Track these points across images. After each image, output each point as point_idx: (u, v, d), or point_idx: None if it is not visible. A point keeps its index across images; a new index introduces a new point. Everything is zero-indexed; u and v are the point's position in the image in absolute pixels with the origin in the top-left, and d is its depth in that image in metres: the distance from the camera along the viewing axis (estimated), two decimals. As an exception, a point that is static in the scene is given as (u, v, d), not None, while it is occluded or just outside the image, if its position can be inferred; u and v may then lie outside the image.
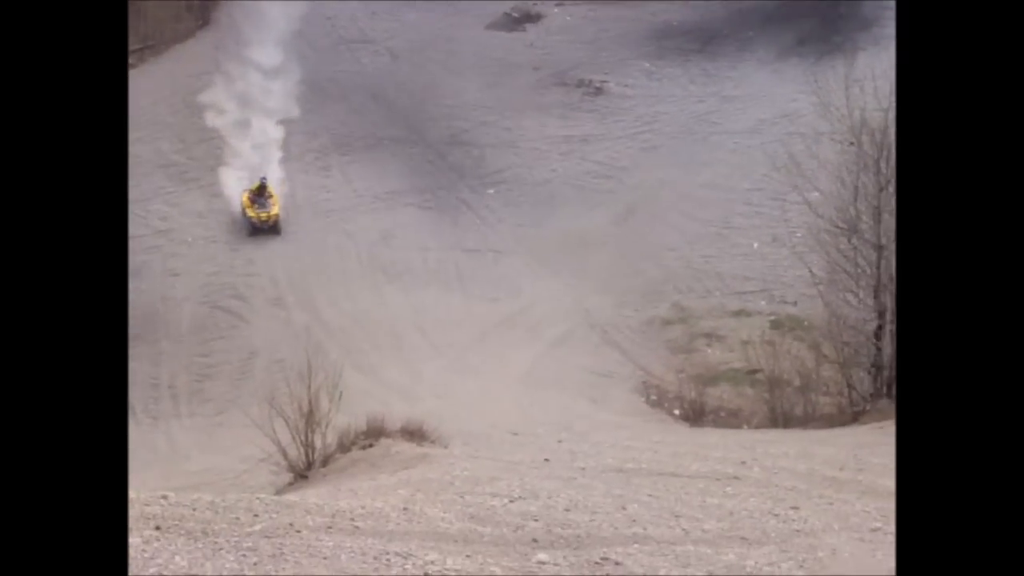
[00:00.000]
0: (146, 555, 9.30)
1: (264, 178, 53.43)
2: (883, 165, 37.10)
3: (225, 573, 8.99)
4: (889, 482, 17.40)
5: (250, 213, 52.41)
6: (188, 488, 16.11)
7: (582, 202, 58.30)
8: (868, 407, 35.80)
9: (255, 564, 9.43)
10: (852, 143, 38.94)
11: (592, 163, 61.38)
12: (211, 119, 58.65)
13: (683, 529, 13.05)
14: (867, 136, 37.65)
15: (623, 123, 63.25)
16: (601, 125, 62.99)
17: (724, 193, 57.00)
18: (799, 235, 46.23)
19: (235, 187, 55.35)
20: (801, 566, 11.27)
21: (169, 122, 57.39)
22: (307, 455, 23.97)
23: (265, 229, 52.45)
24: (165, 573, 8.90)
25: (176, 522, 10.89)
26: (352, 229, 56.51)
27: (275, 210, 52.61)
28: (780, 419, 38.13)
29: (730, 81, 64.28)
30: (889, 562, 11.66)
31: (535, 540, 11.77)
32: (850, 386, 37.76)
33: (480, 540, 11.62)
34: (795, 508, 14.82)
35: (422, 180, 60.67)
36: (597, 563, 10.74)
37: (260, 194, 52.87)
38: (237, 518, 11.58)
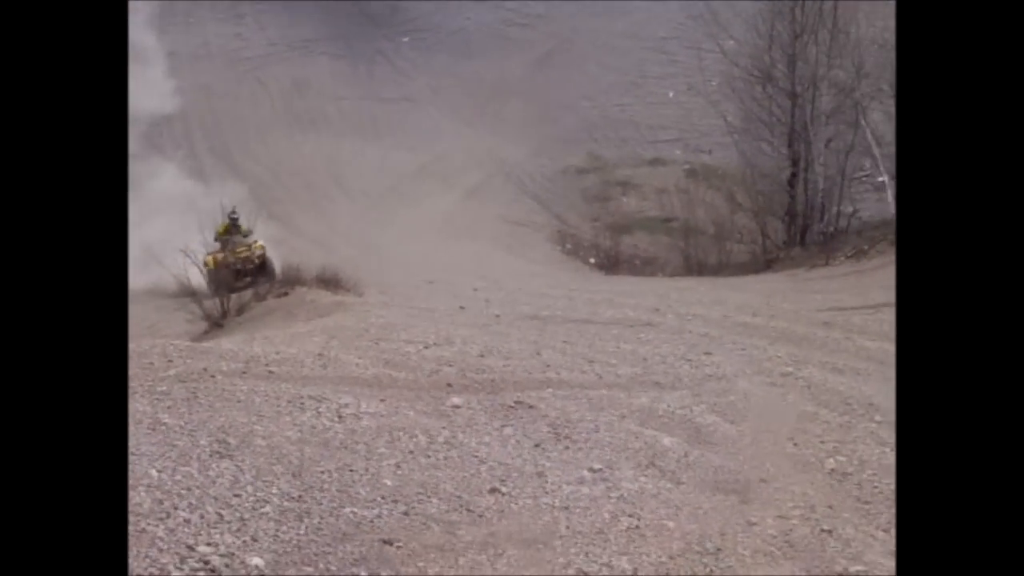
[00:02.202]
0: (58, 401, 9.25)
1: (232, 212, 35.33)
2: (798, 13, 37.23)
3: (138, 416, 8.97)
4: (799, 327, 17.65)
5: (209, 261, 32.99)
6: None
7: (497, 51, 58.09)
8: (781, 255, 36.20)
9: (168, 408, 9.41)
10: (768, -9, 38.97)
11: (507, 11, 61.03)
12: None
13: (597, 374, 13.13)
14: (782, -16, 37.71)
15: (541, -30, 62.78)
16: (517, -28, 62.50)
17: (640, 42, 56.93)
18: (714, 84, 46.34)
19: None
20: (713, 409, 11.39)
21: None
22: (222, 304, 23.91)
23: (247, 275, 33.01)
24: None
25: (89, 368, 10.81)
26: (265, 78, 56.09)
27: (258, 243, 34.87)
28: (694, 267, 38.52)
29: (645, -73, 63.78)
30: (802, 405, 11.82)
31: (449, 385, 11.81)
32: (764, 234, 38.16)
33: (394, 385, 11.65)
34: (708, 354, 14.95)
35: (336, 29, 60.18)
36: (511, 407, 10.80)
37: (230, 233, 34.99)
38: (151, 363, 11.53)
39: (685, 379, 13.07)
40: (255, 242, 34.98)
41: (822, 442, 10.26)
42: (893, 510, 8.39)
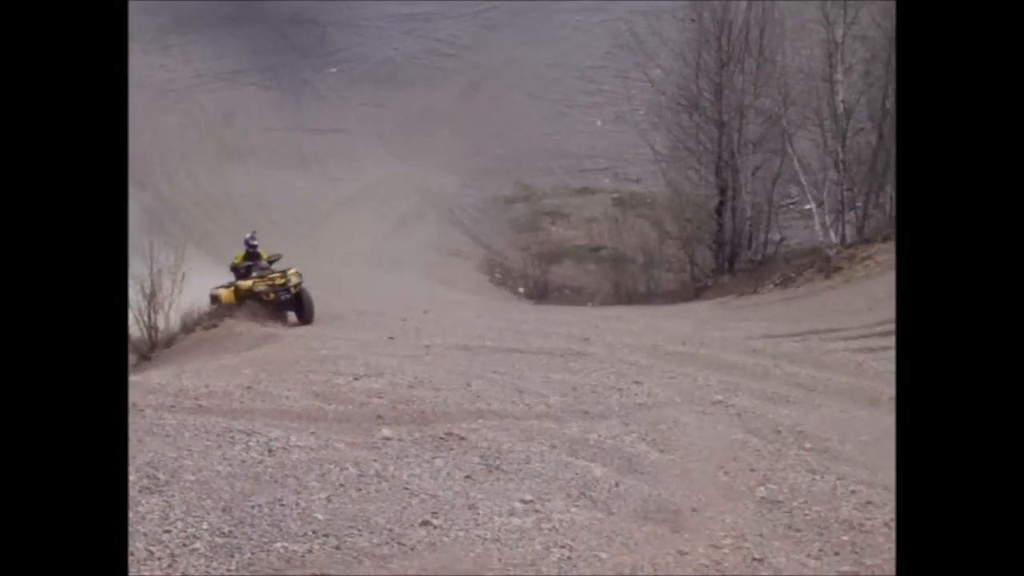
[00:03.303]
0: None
1: (251, 238, 30.27)
2: (724, 42, 37.55)
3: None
4: (729, 355, 17.73)
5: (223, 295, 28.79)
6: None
7: (425, 81, 58.15)
8: (710, 283, 36.41)
9: (96, 444, 9.34)
10: (693, 20, 39.35)
11: (435, 41, 61.15)
12: None
13: (527, 404, 13.14)
14: (708, 12, 38.05)
15: (465, 1, 62.93)
16: (443, 3, 62.62)
17: (567, 71, 57.12)
18: (642, 112, 46.63)
19: None
20: (643, 438, 11.42)
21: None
22: (150, 336, 23.74)
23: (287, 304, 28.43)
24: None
25: (15, 404, 10.71)
26: (193, 109, 55.85)
27: (293, 271, 28.94)
28: (624, 295, 38.65)
29: (572, -43, 64.02)
30: (732, 434, 11.86)
31: (380, 416, 11.80)
32: (692, 262, 38.41)
33: (325, 417, 11.62)
34: (638, 383, 14.99)
35: (264, 59, 60.06)
36: (441, 438, 10.80)
37: (250, 261, 29.96)
38: (78, 399, 11.45)
39: (616, 408, 13.10)
40: (290, 269, 29.10)
41: (752, 470, 10.30)
42: (824, 538, 8.44)
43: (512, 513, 8.62)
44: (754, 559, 7.92)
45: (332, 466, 9.46)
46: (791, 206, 41.61)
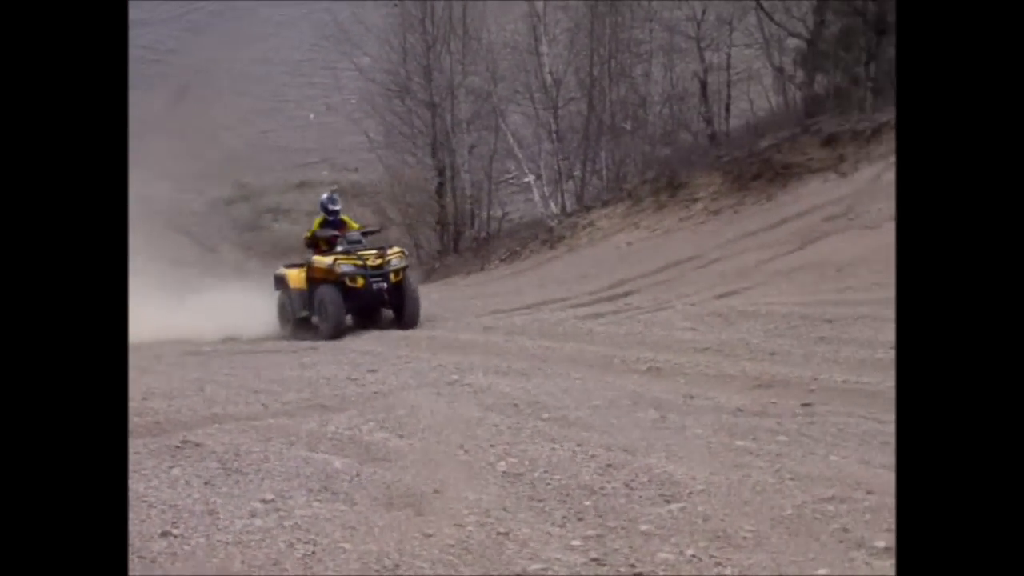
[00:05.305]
0: None
1: (328, 200, 24.23)
2: (428, 23, 37.83)
3: None
4: (461, 335, 17.88)
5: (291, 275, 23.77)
6: None
7: (132, 88, 56.78)
8: (437, 264, 36.66)
9: None
10: (396, 5, 39.53)
11: (138, 48, 60.18)
12: None
13: (262, 404, 13.03)
14: (411, -3, 38.31)
15: (165, 5, 62.17)
16: (143, 9, 61.69)
17: (275, 67, 57.00)
18: (353, 101, 46.68)
19: None
20: (382, 426, 11.40)
21: None
22: None
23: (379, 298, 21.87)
24: None
25: None
26: None
27: (396, 250, 22.55)
28: (352, 285, 38.70)
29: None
30: (470, 412, 11.92)
31: (113, 432, 11.59)
32: (417, 245, 38.66)
33: (55, 439, 11.36)
34: (373, 371, 15.01)
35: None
36: (178, 447, 10.61)
37: (333, 229, 23.33)
38: None
39: (352, 399, 13.09)
40: (392, 248, 22.74)
41: (492, 446, 10.35)
42: (567, 505, 8.52)
43: (253, 514, 8.52)
44: (499, 533, 7.95)
45: (66, 487, 9.25)
46: (510, 181, 42.24)
